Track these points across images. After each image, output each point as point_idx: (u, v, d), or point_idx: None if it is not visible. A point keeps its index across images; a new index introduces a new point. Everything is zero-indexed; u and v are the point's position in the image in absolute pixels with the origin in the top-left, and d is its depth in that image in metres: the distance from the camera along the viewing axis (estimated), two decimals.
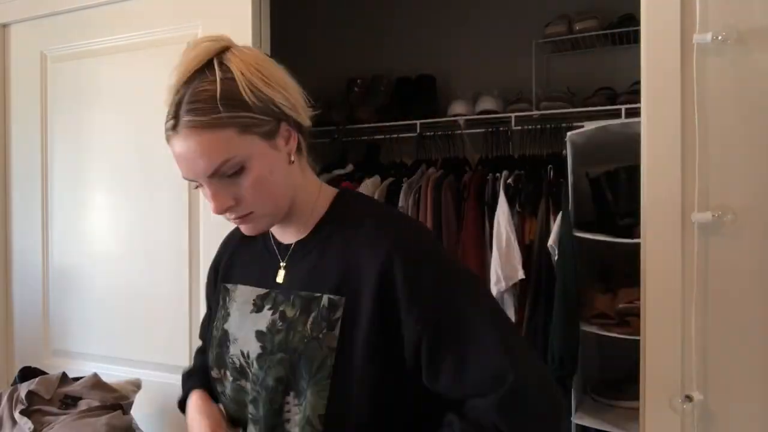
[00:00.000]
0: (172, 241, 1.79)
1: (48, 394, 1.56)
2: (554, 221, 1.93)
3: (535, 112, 2.23)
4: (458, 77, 2.56)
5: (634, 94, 1.97)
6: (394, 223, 0.88)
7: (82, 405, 1.56)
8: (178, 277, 1.77)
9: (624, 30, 2.17)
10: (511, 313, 2.00)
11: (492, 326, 0.80)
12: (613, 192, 1.92)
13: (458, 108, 2.34)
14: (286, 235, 0.92)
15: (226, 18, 1.69)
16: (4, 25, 2.08)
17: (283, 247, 0.92)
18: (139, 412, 1.70)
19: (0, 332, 2.10)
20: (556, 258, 1.86)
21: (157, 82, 1.83)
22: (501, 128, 2.30)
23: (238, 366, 0.90)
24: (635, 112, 1.68)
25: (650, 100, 1.21)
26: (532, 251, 2.00)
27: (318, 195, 0.91)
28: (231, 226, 0.97)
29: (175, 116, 0.81)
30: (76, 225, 1.96)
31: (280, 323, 0.86)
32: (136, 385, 1.73)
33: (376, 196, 2.19)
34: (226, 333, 0.93)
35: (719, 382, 1.16)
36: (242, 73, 0.80)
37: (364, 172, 2.38)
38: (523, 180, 2.08)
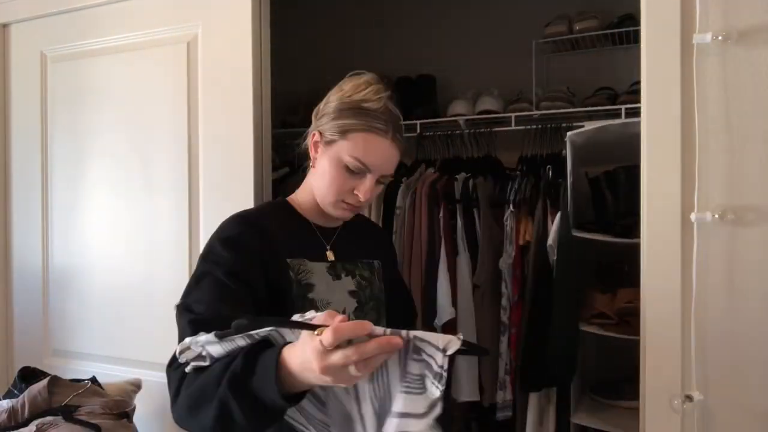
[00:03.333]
0: (172, 241, 1.79)
1: (45, 403, 1.55)
2: (552, 221, 1.93)
3: (535, 112, 2.23)
4: (458, 77, 2.56)
5: (634, 94, 1.97)
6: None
7: (83, 411, 1.55)
8: (178, 277, 1.77)
9: (624, 30, 2.16)
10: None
11: None
12: (613, 192, 1.92)
13: (458, 108, 2.34)
14: (328, 221, 1.20)
15: (226, 18, 1.69)
16: (4, 25, 2.08)
17: (328, 230, 1.20)
18: (139, 412, 1.70)
19: (0, 332, 2.10)
20: (555, 258, 1.86)
21: (157, 82, 1.85)
22: (493, 129, 2.31)
23: None
24: (635, 112, 1.68)
25: (650, 100, 1.21)
26: (528, 252, 2.00)
27: None
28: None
29: (392, 127, 1.11)
30: (76, 225, 1.96)
31: (364, 282, 1.18)
32: (136, 385, 1.73)
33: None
34: (312, 301, 1.09)
35: (719, 382, 1.16)
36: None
37: None
38: (519, 181, 2.09)
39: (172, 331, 1.88)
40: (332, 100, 1.15)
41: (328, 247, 1.18)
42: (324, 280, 1.13)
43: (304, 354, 0.73)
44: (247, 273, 1.04)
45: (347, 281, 1.16)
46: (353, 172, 1.09)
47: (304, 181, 1.22)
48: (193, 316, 1.04)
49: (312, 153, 1.16)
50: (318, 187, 1.15)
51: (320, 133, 1.13)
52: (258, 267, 1.06)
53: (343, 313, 1.07)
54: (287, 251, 1.11)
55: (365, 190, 1.10)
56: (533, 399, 1.94)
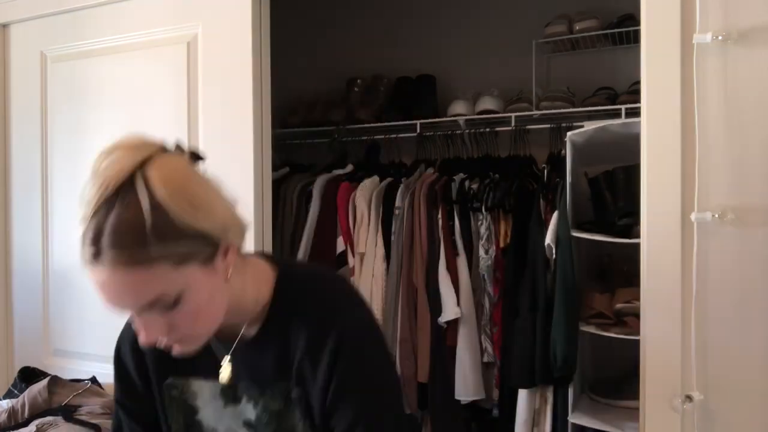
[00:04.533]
0: None
1: (45, 403, 1.55)
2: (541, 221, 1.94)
3: (535, 112, 2.23)
4: (458, 77, 2.56)
5: (634, 94, 1.97)
6: (337, 315, 0.85)
7: (83, 411, 1.55)
8: None
9: (624, 30, 2.16)
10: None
11: None
12: (612, 192, 1.92)
13: (458, 108, 2.34)
14: (226, 331, 0.84)
15: (226, 18, 1.69)
16: (4, 25, 2.08)
17: (228, 335, 0.86)
18: None
19: (0, 332, 2.10)
20: (553, 257, 1.86)
21: (157, 82, 1.85)
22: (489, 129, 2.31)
23: None
24: (635, 112, 1.68)
25: (650, 100, 1.21)
26: (527, 253, 2.01)
27: (258, 286, 0.86)
28: None
29: (95, 244, 0.69)
30: (76, 225, 1.96)
31: (266, 416, 0.86)
32: None
33: (374, 196, 2.19)
34: (199, 423, 0.89)
35: (719, 382, 1.16)
36: (170, 196, 0.69)
37: (364, 172, 2.37)
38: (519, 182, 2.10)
39: None
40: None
41: (223, 362, 0.86)
42: (212, 406, 0.89)
43: None
44: (127, 401, 0.94)
45: (247, 408, 0.87)
46: None
47: None
48: None
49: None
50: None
51: None
52: (142, 391, 0.92)
53: None
54: (163, 368, 0.90)
55: (139, 330, 0.78)
56: (523, 398, 1.94)
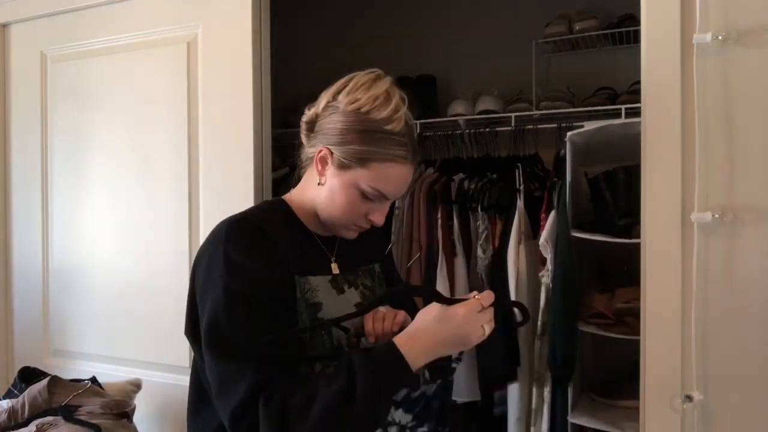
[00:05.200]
0: (172, 241, 1.79)
1: (45, 403, 1.55)
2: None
3: (535, 112, 2.23)
4: (458, 77, 2.56)
5: (634, 94, 1.97)
6: None
7: (83, 411, 1.55)
8: (178, 277, 1.77)
9: (624, 30, 2.16)
10: None
11: None
12: (612, 192, 1.92)
13: (458, 108, 2.34)
14: (326, 230, 1.08)
15: (226, 18, 1.69)
16: (4, 25, 2.08)
17: (328, 240, 1.08)
18: (139, 411, 1.70)
19: (0, 332, 2.10)
20: (549, 255, 1.87)
21: (157, 82, 1.85)
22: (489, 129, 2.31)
23: (345, 345, 1.02)
24: (635, 112, 1.68)
25: (650, 100, 1.21)
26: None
27: None
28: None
29: (412, 148, 1.01)
30: (76, 225, 1.96)
31: (368, 292, 1.09)
32: (136, 385, 1.73)
33: None
34: (321, 321, 0.99)
35: (719, 382, 1.16)
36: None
37: None
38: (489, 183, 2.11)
39: (172, 330, 1.87)
40: (343, 113, 0.99)
41: (333, 259, 1.07)
42: (331, 297, 1.02)
43: (437, 326, 0.89)
44: (274, 295, 0.94)
45: (351, 294, 1.06)
46: (369, 198, 1.00)
47: (301, 186, 1.09)
48: (251, 363, 0.88)
49: (317, 168, 1.02)
50: (325, 205, 1.03)
51: (330, 152, 1.00)
52: (282, 285, 0.96)
53: (355, 328, 1.02)
54: (295, 266, 0.99)
55: (380, 215, 1.03)
56: (514, 396, 1.94)
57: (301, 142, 1.08)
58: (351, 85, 1.01)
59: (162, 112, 1.80)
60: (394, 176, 0.99)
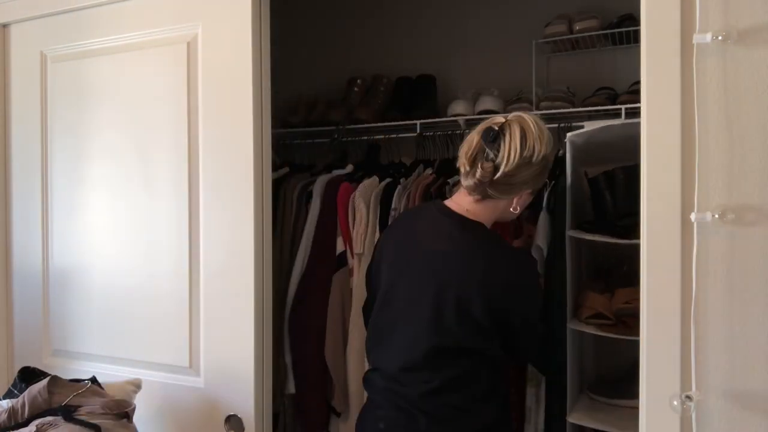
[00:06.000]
0: (172, 240, 1.79)
1: (45, 403, 1.55)
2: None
3: (535, 112, 2.23)
4: (458, 77, 2.56)
5: (634, 94, 1.97)
6: None
7: (83, 411, 1.55)
8: (178, 277, 1.77)
9: (624, 30, 2.16)
10: None
11: None
12: (612, 192, 1.92)
13: (458, 108, 2.34)
14: None
15: (226, 18, 1.69)
16: (4, 25, 2.08)
17: None
18: (139, 412, 1.69)
19: (0, 332, 2.10)
20: (544, 257, 1.87)
21: (157, 82, 1.85)
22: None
23: None
24: (635, 112, 1.68)
25: (650, 100, 1.21)
26: None
27: None
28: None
29: None
30: (76, 225, 1.96)
31: None
32: (136, 385, 1.73)
33: (373, 197, 2.19)
34: None
35: (719, 382, 1.16)
36: None
37: (364, 172, 2.37)
38: None
39: (172, 330, 1.88)
40: (536, 164, 1.32)
41: None
42: None
43: None
44: None
45: None
46: None
47: (485, 213, 1.40)
48: None
49: (516, 203, 1.38)
50: (507, 215, 1.43)
51: (531, 191, 1.40)
52: None
53: None
54: None
55: None
56: None
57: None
58: (530, 140, 1.30)
59: (162, 112, 1.80)
60: None
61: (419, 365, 1.36)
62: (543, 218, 1.90)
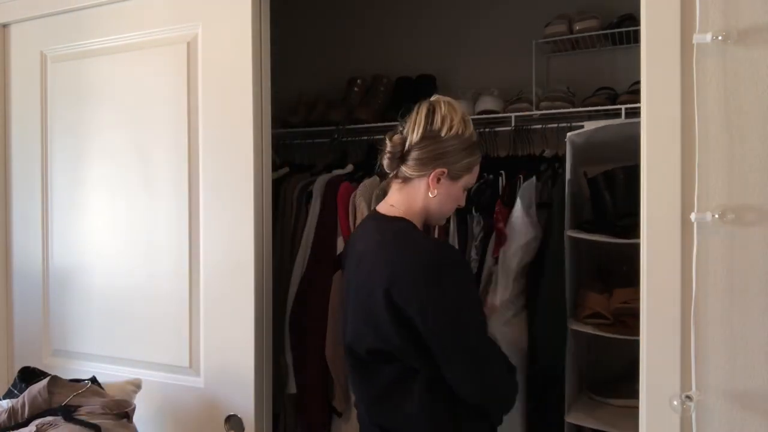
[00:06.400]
0: (172, 240, 1.79)
1: (45, 403, 1.55)
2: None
3: (535, 112, 2.23)
4: (458, 77, 2.56)
5: (634, 94, 1.97)
6: None
7: (83, 411, 1.55)
8: (178, 277, 1.77)
9: (624, 30, 2.16)
10: None
11: None
12: (611, 192, 1.92)
13: None
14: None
15: (226, 18, 1.69)
16: (4, 25, 2.08)
17: None
18: (139, 412, 1.69)
19: (0, 332, 2.10)
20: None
21: (157, 82, 1.85)
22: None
23: None
24: (635, 112, 1.68)
25: (650, 100, 1.21)
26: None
27: None
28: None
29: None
30: (76, 225, 1.96)
31: None
32: (136, 385, 1.73)
33: (373, 196, 2.19)
34: None
35: (719, 382, 1.16)
36: None
37: (364, 172, 2.37)
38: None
39: (172, 330, 1.89)
40: (445, 140, 1.31)
41: None
42: None
43: None
44: None
45: None
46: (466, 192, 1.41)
47: (406, 201, 1.36)
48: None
49: (433, 184, 1.32)
50: (439, 208, 1.37)
51: (446, 171, 1.32)
52: None
53: None
54: None
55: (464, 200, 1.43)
56: None
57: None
58: (439, 116, 1.31)
59: (162, 112, 1.80)
60: (477, 170, 1.39)
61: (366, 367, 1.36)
62: (519, 215, 1.90)
